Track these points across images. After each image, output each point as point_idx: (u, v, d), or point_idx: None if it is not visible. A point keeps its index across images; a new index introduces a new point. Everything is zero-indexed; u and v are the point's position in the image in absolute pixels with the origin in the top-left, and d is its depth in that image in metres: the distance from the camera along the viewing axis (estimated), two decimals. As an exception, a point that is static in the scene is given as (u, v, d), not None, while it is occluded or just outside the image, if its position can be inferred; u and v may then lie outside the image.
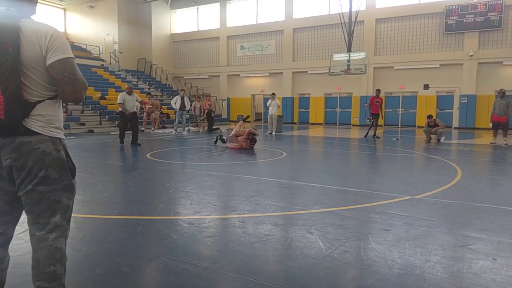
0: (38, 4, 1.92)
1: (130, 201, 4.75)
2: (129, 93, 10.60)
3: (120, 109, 10.77)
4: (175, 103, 15.25)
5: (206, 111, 17.98)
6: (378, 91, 13.99)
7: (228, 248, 3.06)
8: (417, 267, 2.70)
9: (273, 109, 15.70)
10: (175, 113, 16.11)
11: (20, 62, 1.67)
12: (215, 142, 11.00)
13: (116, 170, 7.21)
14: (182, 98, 15.18)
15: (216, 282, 2.53)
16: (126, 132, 11.11)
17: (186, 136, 14.53)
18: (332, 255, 2.91)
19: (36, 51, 1.70)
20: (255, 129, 10.41)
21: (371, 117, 13.74)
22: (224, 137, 10.75)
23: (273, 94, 16.45)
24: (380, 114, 13.72)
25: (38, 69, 1.72)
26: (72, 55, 1.79)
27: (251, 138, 9.97)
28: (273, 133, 15.50)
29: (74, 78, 1.76)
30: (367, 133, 13.99)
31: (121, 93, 10.77)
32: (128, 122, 10.74)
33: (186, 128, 16.07)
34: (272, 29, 24.07)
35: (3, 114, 1.65)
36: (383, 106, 14.10)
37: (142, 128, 16.03)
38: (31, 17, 1.80)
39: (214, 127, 17.21)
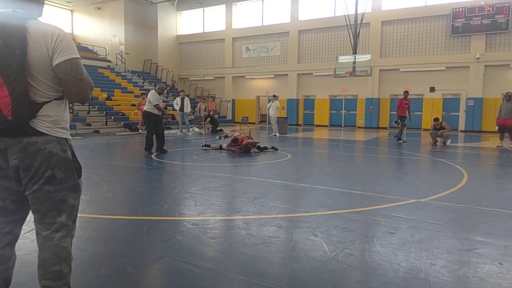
0: (45, 6, 1.92)
1: (135, 201, 4.77)
2: (161, 93, 9.28)
3: (151, 111, 9.03)
4: (176, 104, 15.45)
5: (209, 112, 18.04)
6: (407, 93, 13.33)
7: (232, 250, 3.06)
8: (422, 271, 2.69)
9: (273, 111, 15.70)
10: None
11: (27, 63, 1.67)
12: (208, 145, 10.31)
13: (121, 171, 7.24)
14: (182, 99, 15.28)
15: (220, 283, 2.53)
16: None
17: (190, 137, 14.58)
18: (336, 258, 2.90)
19: (43, 52, 1.71)
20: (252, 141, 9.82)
21: (398, 120, 13.16)
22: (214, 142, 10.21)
23: (274, 96, 16.34)
24: (408, 117, 13.12)
25: (45, 70, 1.73)
26: (78, 56, 1.79)
27: (245, 148, 9.47)
28: (277, 134, 15.50)
29: (80, 78, 1.77)
30: (400, 136, 13.27)
31: (152, 92, 9.18)
32: (155, 127, 9.25)
33: (191, 129, 16.15)
34: (278, 30, 24.08)
35: (10, 115, 1.66)
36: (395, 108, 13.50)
37: (140, 130, 16.05)
38: (38, 19, 1.80)
39: (217, 128, 17.29)
